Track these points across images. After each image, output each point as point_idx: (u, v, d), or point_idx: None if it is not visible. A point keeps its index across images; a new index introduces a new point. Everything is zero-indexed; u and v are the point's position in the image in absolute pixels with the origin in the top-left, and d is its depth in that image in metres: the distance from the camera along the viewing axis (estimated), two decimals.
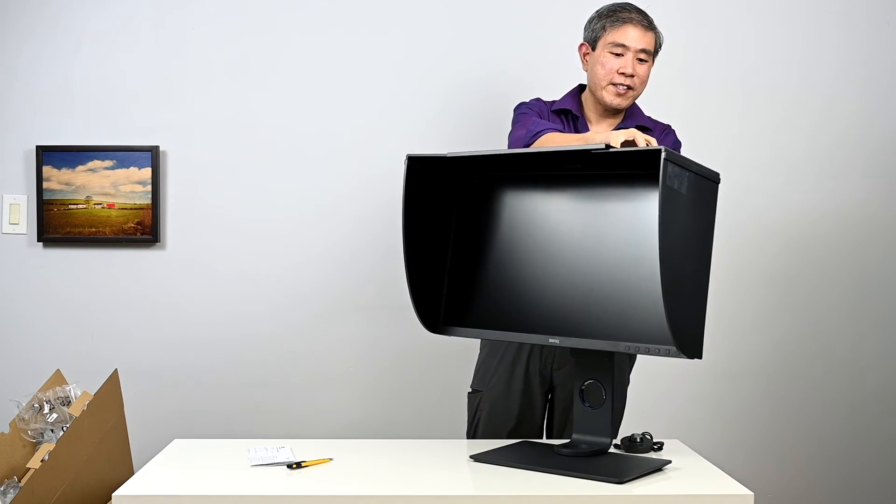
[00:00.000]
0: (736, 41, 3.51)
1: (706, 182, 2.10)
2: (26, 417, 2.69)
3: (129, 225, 3.47)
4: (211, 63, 3.48)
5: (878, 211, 3.52)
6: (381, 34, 3.49)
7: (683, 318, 2.02)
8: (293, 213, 3.49)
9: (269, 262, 3.49)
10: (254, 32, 3.48)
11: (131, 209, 3.47)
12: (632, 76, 2.60)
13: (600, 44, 2.62)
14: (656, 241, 1.93)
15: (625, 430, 2.37)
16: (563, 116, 2.71)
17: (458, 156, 2.27)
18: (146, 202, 3.47)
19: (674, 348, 2.01)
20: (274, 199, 3.48)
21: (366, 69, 3.49)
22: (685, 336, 2.02)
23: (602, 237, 2.17)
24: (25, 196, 3.49)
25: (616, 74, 2.59)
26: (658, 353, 2.05)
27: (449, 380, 3.33)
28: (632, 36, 2.59)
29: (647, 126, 2.69)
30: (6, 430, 2.70)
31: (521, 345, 2.62)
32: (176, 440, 2.40)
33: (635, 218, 2.12)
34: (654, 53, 2.64)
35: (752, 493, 1.94)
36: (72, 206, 3.47)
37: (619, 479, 1.98)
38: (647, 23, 2.61)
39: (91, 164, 3.47)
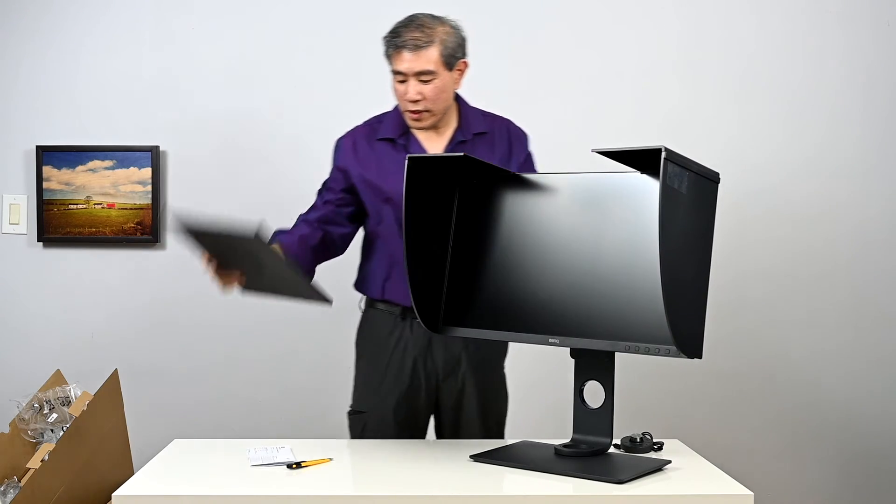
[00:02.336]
0: (736, 40, 3.51)
1: (706, 182, 2.10)
2: (26, 417, 2.69)
3: (129, 225, 3.48)
4: (211, 63, 3.49)
5: (877, 210, 3.52)
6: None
7: (683, 318, 2.02)
8: (293, 212, 3.48)
9: None
10: (254, 32, 3.49)
11: (131, 209, 3.47)
12: (419, 100, 2.46)
13: (391, 70, 2.51)
14: (656, 241, 1.94)
15: (625, 430, 2.36)
16: (391, 144, 2.57)
17: (458, 156, 2.28)
18: (146, 202, 3.47)
19: (674, 348, 2.01)
20: (274, 198, 3.48)
21: (367, 68, 3.49)
22: (685, 336, 2.02)
23: (602, 237, 2.17)
24: (25, 196, 3.49)
25: (406, 101, 2.48)
26: (658, 353, 2.05)
27: None
28: (406, 62, 2.44)
29: (484, 130, 2.59)
30: (6, 430, 2.70)
31: (403, 360, 2.55)
32: (176, 440, 2.41)
33: (635, 218, 2.12)
34: (446, 62, 2.45)
35: (751, 493, 1.94)
36: (72, 206, 3.47)
37: (619, 479, 1.98)
38: (422, 42, 2.42)
39: (91, 164, 3.47)
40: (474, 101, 3.55)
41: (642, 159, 2.08)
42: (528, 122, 3.50)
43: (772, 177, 3.51)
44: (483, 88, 3.49)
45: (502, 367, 2.69)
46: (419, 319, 2.33)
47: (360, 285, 2.69)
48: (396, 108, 2.61)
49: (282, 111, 3.50)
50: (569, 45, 3.50)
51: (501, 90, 3.50)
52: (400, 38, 2.45)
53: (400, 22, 2.49)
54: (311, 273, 2.59)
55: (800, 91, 3.51)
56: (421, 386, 2.56)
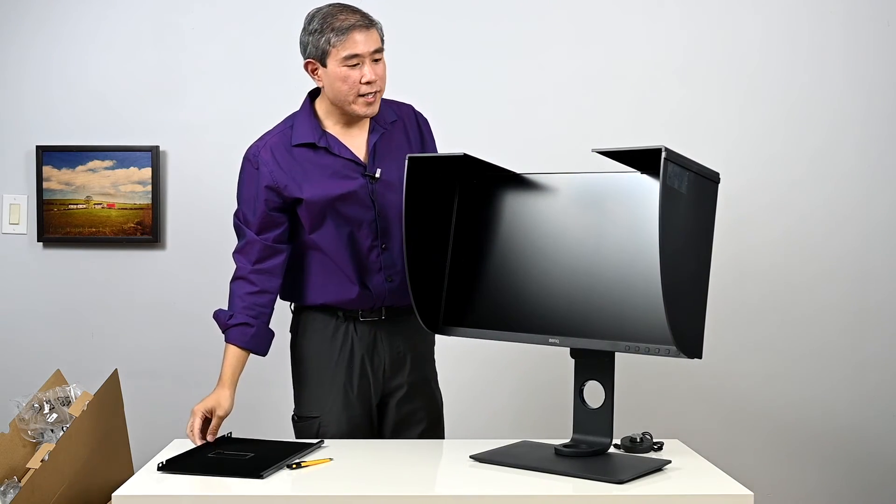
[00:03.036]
0: (736, 41, 3.50)
1: (706, 182, 2.10)
2: (26, 417, 2.69)
3: (129, 225, 3.48)
4: (211, 63, 3.49)
5: (879, 211, 3.52)
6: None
7: (683, 318, 2.02)
8: None
9: None
10: (254, 32, 3.49)
11: (131, 209, 3.47)
12: (374, 81, 2.40)
13: (331, 60, 2.39)
14: (656, 241, 1.94)
15: (625, 430, 2.36)
16: (310, 148, 2.48)
17: (458, 155, 2.28)
18: (146, 202, 3.47)
19: (674, 348, 2.01)
20: None
21: None
22: (685, 336, 2.02)
23: (602, 237, 2.17)
24: (25, 196, 3.49)
25: (361, 86, 2.39)
26: (658, 353, 2.05)
27: (449, 380, 3.32)
28: (360, 42, 2.37)
29: (395, 118, 2.55)
30: (6, 430, 2.69)
31: (350, 359, 2.51)
32: (176, 440, 2.41)
33: (635, 218, 2.12)
34: (383, 40, 2.44)
35: (751, 493, 1.94)
36: (72, 206, 3.47)
37: (619, 479, 1.98)
38: (366, 20, 2.40)
39: (91, 164, 3.47)
40: (475, 100, 3.57)
41: (642, 159, 2.08)
42: (529, 121, 3.52)
43: (772, 177, 3.50)
44: (483, 87, 3.51)
45: (434, 358, 2.67)
46: (419, 319, 2.33)
47: (292, 296, 2.60)
48: (306, 111, 2.54)
49: (281, 111, 3.49)
50: (570, 45, 3.50)
51: (502, 89, 3.51)
52: (345, 21, 2.37)
53: (329, 12, 2.41)
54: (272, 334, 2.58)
55: (801, 91, 3.50)
56: (370, 383, 2.53)
